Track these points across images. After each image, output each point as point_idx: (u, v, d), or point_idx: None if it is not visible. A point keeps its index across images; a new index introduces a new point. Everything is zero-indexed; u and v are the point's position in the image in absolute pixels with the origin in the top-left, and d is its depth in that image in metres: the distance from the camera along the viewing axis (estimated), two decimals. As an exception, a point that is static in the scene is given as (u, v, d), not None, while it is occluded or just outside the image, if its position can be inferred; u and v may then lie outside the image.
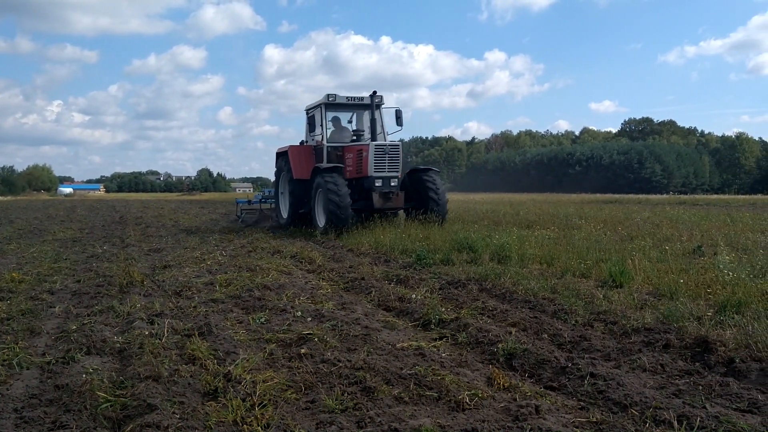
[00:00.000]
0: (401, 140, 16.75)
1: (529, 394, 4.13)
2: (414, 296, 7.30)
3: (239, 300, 7.28)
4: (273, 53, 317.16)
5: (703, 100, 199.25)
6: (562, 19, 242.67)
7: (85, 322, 6.22)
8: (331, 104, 16.92)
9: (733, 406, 3.88)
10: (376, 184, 15.32)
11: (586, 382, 4.33)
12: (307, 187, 16.25)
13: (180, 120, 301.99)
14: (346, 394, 4.08)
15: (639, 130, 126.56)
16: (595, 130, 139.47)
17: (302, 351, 5.07)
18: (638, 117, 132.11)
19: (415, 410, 3.84)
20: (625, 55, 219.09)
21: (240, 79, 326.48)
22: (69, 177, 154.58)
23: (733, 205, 32.92)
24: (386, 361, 4.77)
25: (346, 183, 15.04)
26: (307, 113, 17.88)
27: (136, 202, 45.25)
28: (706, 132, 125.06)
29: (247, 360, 4.80)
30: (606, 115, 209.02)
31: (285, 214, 17.83)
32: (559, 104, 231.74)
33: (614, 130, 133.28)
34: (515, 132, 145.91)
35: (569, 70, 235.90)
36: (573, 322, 6.11)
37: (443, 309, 6.60)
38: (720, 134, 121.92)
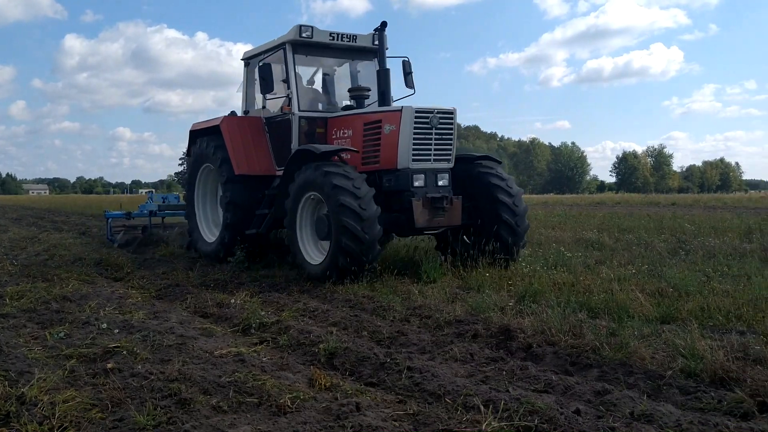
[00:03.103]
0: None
1: (350, 392, 4.18)
2: (233, 301, 7.09)
3: (34, 314, 6.56)
4: (74, 44, 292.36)
5: (502, 108, 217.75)
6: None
7: None
8: (305, 44, 9.85)
9: (532, 388, 4.24)
10: (416, 184, 8.56)
11: (403, 375, 4.48)
12: (260, 189, 9.96)
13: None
14: (159, 409, 3.83)
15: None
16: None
17: (109, 366, 4.68)
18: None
19: (234, 419, 3.72)
20: (436, 63, 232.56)
21: (35, 71, 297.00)
22: None
23: (528, 204, 36.26)
24: (203, 370, 4.57)
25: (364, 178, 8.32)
26: (252, 62, 10.80)
27: None
28: (505, 137, 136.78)
29: (44, 379, 4.32)
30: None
31: (212, 237, 10.91)
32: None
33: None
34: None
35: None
36: (391, 318, 6.31)
37: (264, 313, 6.48)
38: (517, 139, 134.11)
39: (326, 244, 8.33)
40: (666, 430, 3.44)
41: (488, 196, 9.04)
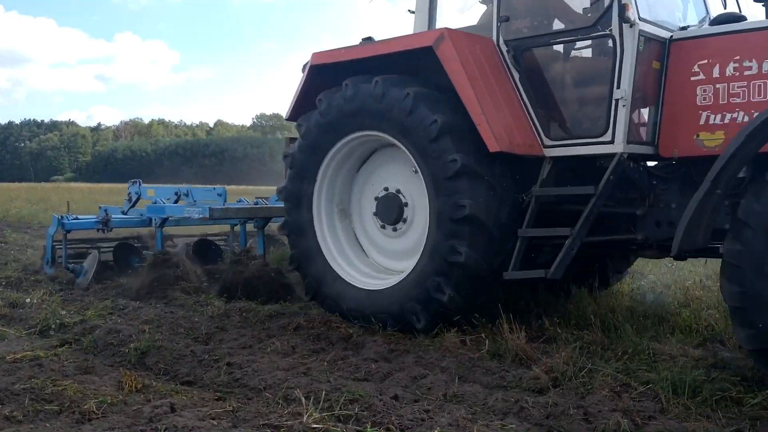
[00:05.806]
0: None
1: (164, 392, 3.97)
2: (29, 300, 6.46)
3: None
4: None
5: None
6: (198, 11, 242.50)
7: None
8: None
9: (352, 377, 4.32)
10: None
11: (222, 372, 4.37)
12: (517, 186, 5.19)
13: None
14: (-64, 425, 3.36)
15: (270, 125, 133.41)
16: (229, 123, 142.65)
17: None
18: (269, 113, 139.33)
19: (31, 428, 3.37)
20: (260, 52, 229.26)
21: None
22: None
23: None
24: (-7, 377, 4.08)
25: None
26: None
27: None
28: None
29: None
30: (239, 108, 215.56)
31: (367, 279, 5.71)
32: (195, 95, 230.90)
33: (247, 124, 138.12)
34: (147, 120, 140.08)
35: (206, 62, 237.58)
36: (210, 314, 6.10)
37: (65, 312, 5.98)
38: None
39: None
40: (474, 409, 3.68)
41: None
